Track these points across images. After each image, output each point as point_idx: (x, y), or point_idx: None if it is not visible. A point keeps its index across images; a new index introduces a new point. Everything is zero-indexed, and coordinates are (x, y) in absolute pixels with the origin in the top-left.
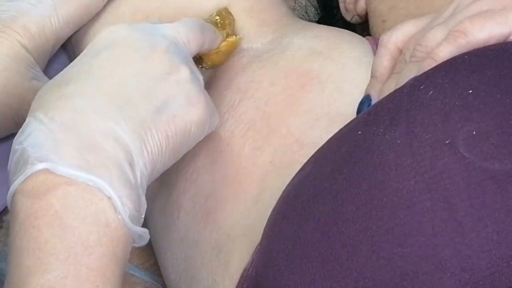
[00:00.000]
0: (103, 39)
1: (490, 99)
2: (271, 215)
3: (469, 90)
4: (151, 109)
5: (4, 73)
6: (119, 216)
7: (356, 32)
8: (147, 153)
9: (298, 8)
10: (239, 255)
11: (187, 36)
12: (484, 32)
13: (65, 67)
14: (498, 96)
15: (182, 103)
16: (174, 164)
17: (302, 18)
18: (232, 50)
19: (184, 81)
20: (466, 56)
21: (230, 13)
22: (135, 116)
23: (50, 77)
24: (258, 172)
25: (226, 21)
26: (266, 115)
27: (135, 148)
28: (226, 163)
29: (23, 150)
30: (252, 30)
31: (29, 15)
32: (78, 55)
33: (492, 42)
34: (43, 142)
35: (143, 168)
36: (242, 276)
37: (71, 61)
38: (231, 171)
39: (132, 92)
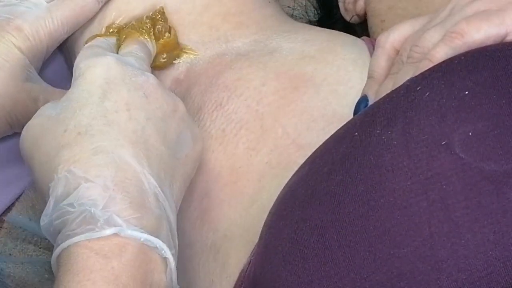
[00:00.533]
0: (98, 77)
1: (486, 100)
2: (268, 215)
3: (465, 91)
4: (171, 154)
5: None
6: (165, 276)
7: (355, 32)
8: (174, 203)
9: (298, 8)
10: (237, 256)
11: (146, 68)
12: (480, 33)
13: (61, 69)
14: (494, 96)
15: (189, 141)
16: None
17: (302, 18)
18: (170, 49)
19: (186, 116)
20: (462, 57)
21: (162, 13)
22: (162, 166)
23: (46, 79)
24: (254, 172)
25: (156, 29)
26: (259, 115)
27: (169, 204)
28: (220, 162)
29: (83, 211)
30: (229, 32)
31: (23, 16)
32: (73, 57)
33: (489, 43)
34: (100, 201)
35: (173, 221)
36: (239, 276)
37: (67, 63)
38: (226, 171)
39: (153, 139)
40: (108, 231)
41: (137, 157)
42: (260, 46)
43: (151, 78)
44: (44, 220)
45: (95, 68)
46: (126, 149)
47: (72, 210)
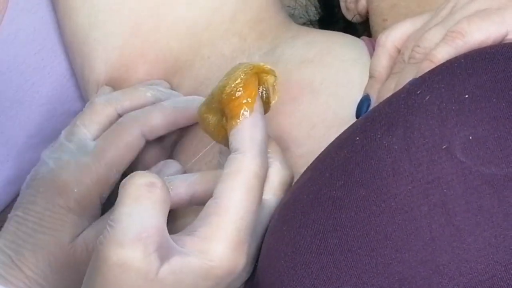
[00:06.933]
0: None
1: (486, 103)
2: (271, 221)
3: (466, 94)
4: None
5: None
6: None
7: (356, 31)
8: None
9: (299, 7)
10: None
11: None
12: (481, 32)
13: None
14: (494, 100)
15: None
16: None
17: (302, 18)
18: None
19: None
20: (462, 60)
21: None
22: None
23: None
24: None
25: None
26: None
27: None
28: None
29: None
30: (252, 44)
31: (67, 167)
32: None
33: (490, 42)
34: None
35: None
36: None
37: None
38: None
39: None
40: None
41: None
42: (268, 57)
43: None
44: None
45: None
46: None
47: None
